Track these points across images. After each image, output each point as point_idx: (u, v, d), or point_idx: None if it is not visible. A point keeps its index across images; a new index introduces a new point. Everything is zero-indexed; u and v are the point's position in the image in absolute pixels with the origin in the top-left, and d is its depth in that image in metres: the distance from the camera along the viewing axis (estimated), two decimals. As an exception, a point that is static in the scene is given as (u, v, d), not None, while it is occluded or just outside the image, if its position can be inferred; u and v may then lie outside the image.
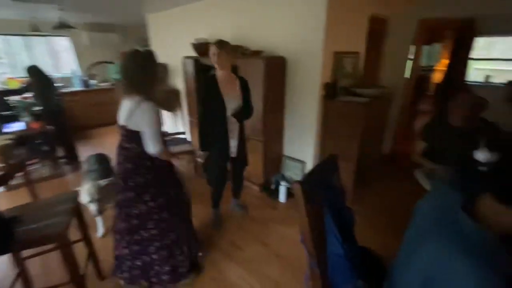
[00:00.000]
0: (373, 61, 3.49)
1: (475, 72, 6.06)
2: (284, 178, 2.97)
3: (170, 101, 4.02)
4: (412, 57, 3.56)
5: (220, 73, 1.99)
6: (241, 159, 2.31)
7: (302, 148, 2.92)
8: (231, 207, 2.67)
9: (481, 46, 6.09)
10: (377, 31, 3.31)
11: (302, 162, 2.94)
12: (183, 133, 3.93)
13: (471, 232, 0.70)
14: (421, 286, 0.75)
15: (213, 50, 1.92)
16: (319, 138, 2.79)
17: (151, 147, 1.48)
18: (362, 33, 3.03)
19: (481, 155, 1.92)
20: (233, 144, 2.14)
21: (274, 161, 3.07)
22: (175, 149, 3.32)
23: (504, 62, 5.74)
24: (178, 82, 4.13)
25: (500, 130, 1.95)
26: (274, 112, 2.84)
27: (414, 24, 3.38)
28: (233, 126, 2.08)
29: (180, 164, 3.81)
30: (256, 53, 2.73)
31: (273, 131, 2.92)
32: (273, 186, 2.95)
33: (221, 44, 1.95)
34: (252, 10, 2.83)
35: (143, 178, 1.59)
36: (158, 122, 1.49)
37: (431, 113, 4.05)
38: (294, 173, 3.01)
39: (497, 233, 0.72)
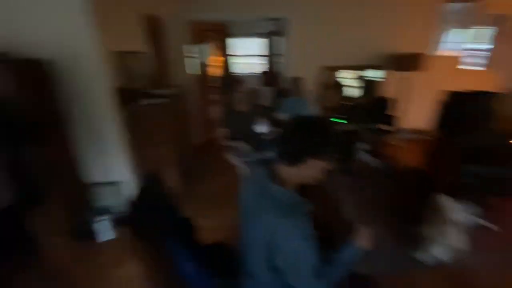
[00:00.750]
0: (161, 60, 3.49)
1: (240, 65, 7.94)
2: (100, 211, 2.38)
3: None
4: (191, 55, 3.93)
5: None
6: (31, 201, 1.52)
7: (113, 168, 2.45)
8: None
9: (238, 45, 7.99)
10: (156, 31, 3.30)
11: (117, 184, 2.49)
12: None
13: (282, 196, 0.88)
14: (266, 251, 0.89)
15: None
16: (132, 149, 2.45)
17: None
18: (141, 32, 2.88)
19: (259, 128, 2.54)
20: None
21: (78, 194, 2.36)
22: None
23: (255, 57, 7.95)
24: None
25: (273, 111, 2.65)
26: (52, 133, 2.09)
27: (186, 25, 3.71)
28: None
29: None
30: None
31: (61, 158, 2.18)
32: (87, 227, 2.29)
33: None
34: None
35: None
36: None
37: (221, 102, 4.80)
38: (112, 199, 2.50)
39: (294, 187, 0.95)
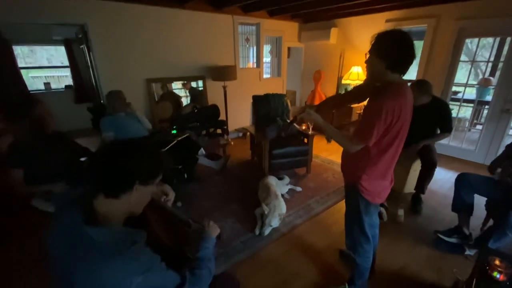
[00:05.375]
0: None
1: (34, 81, 6.03)
2: None
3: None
4: None
5: None
6: None
7: None
8: None
9: (26, 54, 6.05)
10: None
11: None
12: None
13: (101, 237, 0.72)
14: None
15: None
16: None
17: None
18: None
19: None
20: None
21: None
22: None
23: (56, 69, 6.30)
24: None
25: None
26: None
27: None
28: None
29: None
30: None
31: None
32: None
33: None
34: None
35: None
36: None
37: (7, 130, 3.45)
38: None
39: (122, 219, 0.82)
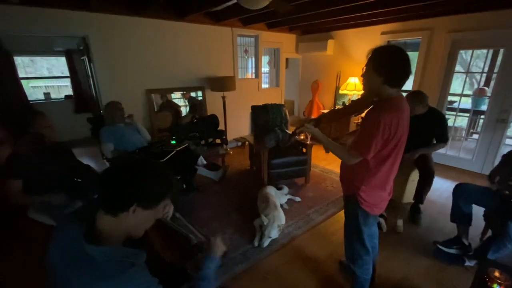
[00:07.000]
0: None
1: (34, 90, 6.06)
2: None
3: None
4: None
5: None
6: None
7: None
8: None
9: (26, 64, 6.10)
10: None
11: None
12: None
13: (100, 256, 0.72)
14: None
15: None
16: None
17: None
18: None
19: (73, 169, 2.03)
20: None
21: None
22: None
23: (56, 79, 6.34)
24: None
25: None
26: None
27: None
28: None
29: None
30: None
31: None
32: None
33: None
34: None
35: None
36: None
37: (7, 141, 3.45)
38: None
39: (121, 238, 0.80)
